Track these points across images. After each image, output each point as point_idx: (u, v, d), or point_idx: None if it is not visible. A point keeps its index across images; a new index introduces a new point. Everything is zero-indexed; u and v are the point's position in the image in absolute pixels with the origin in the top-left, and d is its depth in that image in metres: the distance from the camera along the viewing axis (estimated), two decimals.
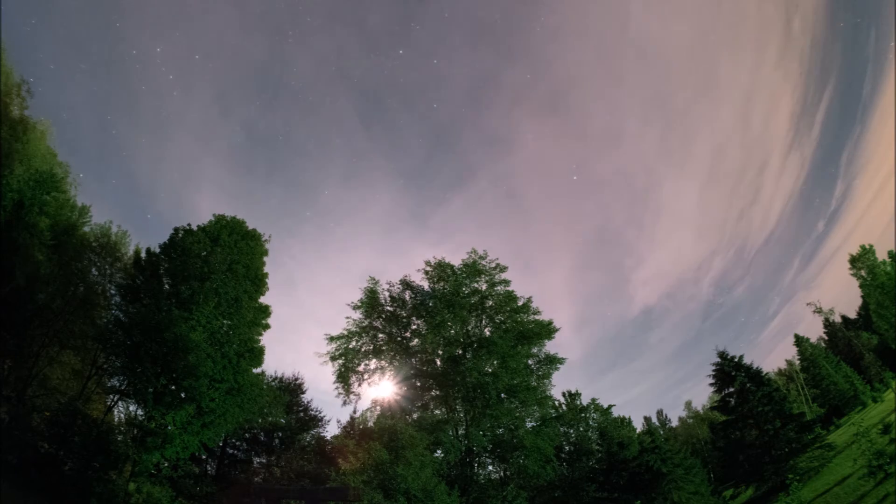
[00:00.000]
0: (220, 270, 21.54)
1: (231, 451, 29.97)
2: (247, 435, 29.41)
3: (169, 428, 19.24)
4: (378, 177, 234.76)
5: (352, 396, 31.56)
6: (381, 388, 32.34)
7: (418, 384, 32.58)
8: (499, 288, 33.26)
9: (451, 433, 28.75)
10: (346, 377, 31.52)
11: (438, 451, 27.32)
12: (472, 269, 33.03)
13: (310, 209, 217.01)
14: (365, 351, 32.53)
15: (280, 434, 30.30)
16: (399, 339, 32.98)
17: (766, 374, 31.19)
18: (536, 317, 32.91)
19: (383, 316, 33.58)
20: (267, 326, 23.89)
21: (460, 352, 31.34)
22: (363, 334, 32.83)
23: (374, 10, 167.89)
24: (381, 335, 33.20)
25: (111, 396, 24.51)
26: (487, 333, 32.39)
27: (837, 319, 66.12)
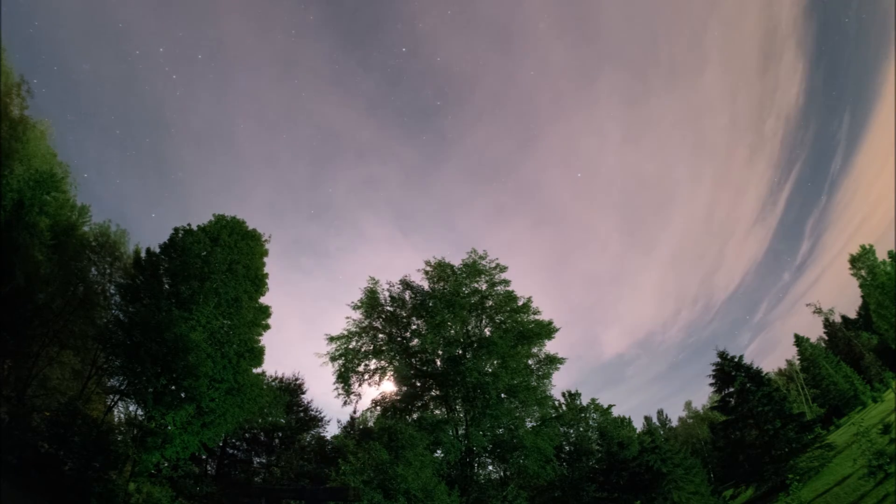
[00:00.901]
0: (220, 270, 21.53)
1: (231, 451, 29.98)
2: (247, 435, 29.41)
3: (169, 428, 19.23)
4: (381, 175, 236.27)
5: (352, 396, 31.55)
6: (381, 388, 32.37)
7: (418, 384, 32.56)
8: (499, 288, 33.23)
9: (451, 433, 28.73)
10: (346, 377, 31.49)
11: (438, 451, 27.30)
12: (472, 268, 33.01)
13: (314, 207, 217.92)
14: (365, 351, 32.50)
15: (280, 434, 30.30)
16: (399, 339, 32.96)
17: (766, 374, 31.20)
18: (536, 317, 32.88)
19: (383, 316, 33.56)
20: (267, 326, 23.89)
21: (460, 352, 31.32)
22: (363, 334, 32.80)
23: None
24: (381, 335, 33.17)
25: (111, 396, 24.49)
26: (487, 333, 32.36)
27: (837, 319, 66.12)
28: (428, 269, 33.61)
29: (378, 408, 31.25)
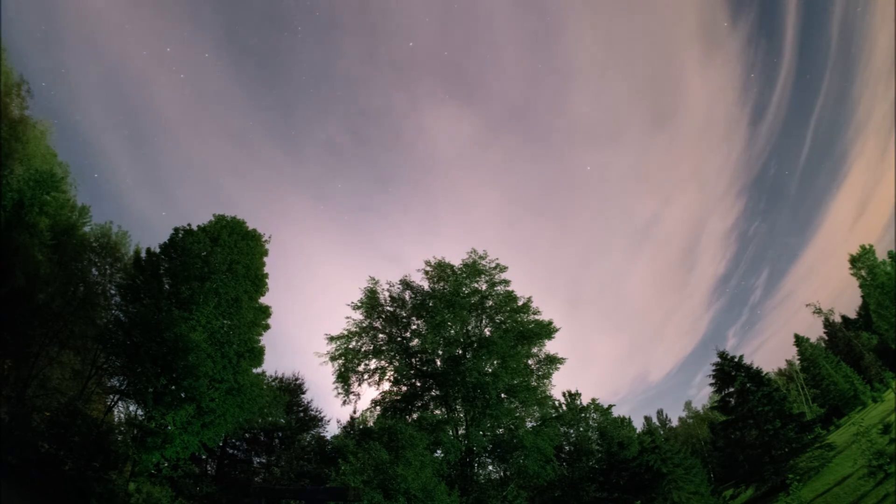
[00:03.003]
0: (220, 270, 21.54)
1: (231, 451, 30.00)
2: (247, 435, 29.42)
3: (169, 428, 19.24)
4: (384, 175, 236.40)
5: (351, 396, 31.54)
6: (381, 388, 32.35)
7: (418, 384, 32.55)
8: (499, 288, 33.23)
9: (451, 433, 28.73)
10: (345, 377, 31.49)
11: (438, 451, 27.29)
12: (472, 269, 33.02)
13: (322, 203, 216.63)
14: (365, 351, 32.48)
15: (280, 434, 30.32)
16: (399, 339, 32.95)
17: (766, 374, 31.19)
18: (536, 317, 32.88)
19: (383, 316, 33.56)
20: (267, 327, 23.91)
21: (460, 352, 31.32)
22: (363, 334, 32.79)
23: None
24: (380, 335, 33.16)
25: (111, 396, 24.51)
26: (487, 333, 32.35)
27: (837, 319, 66.13)
28: (428, 269, 33.63)
29: (378, 408, 31.23)
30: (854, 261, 50.48)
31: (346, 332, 32.30)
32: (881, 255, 49.48)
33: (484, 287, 33.15)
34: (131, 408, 22.55)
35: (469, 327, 32.82)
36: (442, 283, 33.03)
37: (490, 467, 30.66)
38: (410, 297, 33.82)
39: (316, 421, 32.65)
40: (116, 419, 24.26)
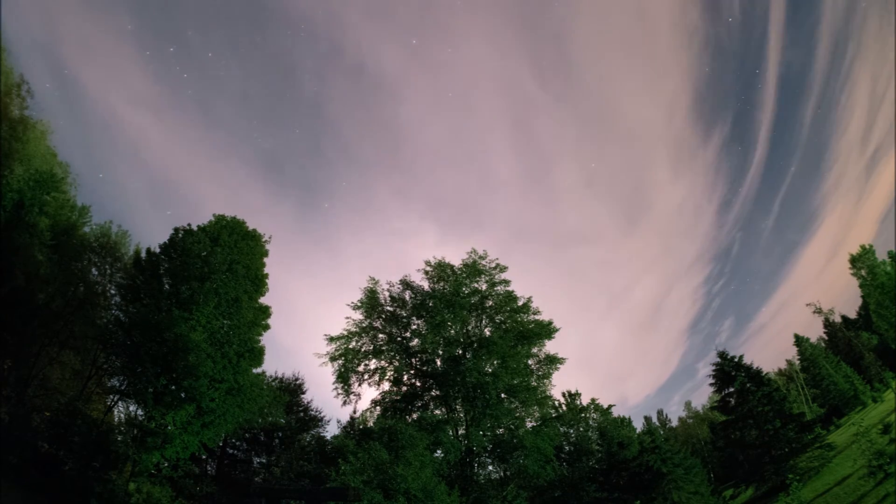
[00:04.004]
0: (220, 271, 21.52)
1: (231, 451, 30.00)
2: (247, 435, 29.42)
3: (169, 428, 19.23)
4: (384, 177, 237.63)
5: (351, 397, 31.55)
6: (381, 388, 32.34)
7: (418, 384, 32.55)
8: (499, 288, 33.22)
9: (451, 433, 28.72)
10: (345, 377, 31.48)
11: (438, 451, 27.29)
12: (472, 269, 33.01)
13: (327, 201, 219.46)
14: (365, 351, 32.48)
15: (280, 434, 30.31)
16: (399, 339, 32.95)
17: (766, 374, 31.18)
18: (536, 317, 32.87)
19: (383, 316, 33.55)
20: (267, 327, 23.88)
21: (460, 352, 31.32)
22: (363, 334, 32.78)
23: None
24: (381, 335, 33.16)
25: (111, 396, 24.53)
26: (487, 333, 32.34)
27: (837, 319, 66.09)
28: (428, 269, 33.62)
29: (378, 408, 31.23)
30: (854, 261, 50.45)
31: (345, 333, 32.31)
32: (881, 255, 49.45)
33: (484, 287, 33.14)
34: (131, 408, 22.55)
35: (469, 327, 32.81)
36: (442, 283, 33.02)
37: (490, 467, 30.67)
38: (410, 297, 33.82)
39: (316, 421, 32.65)
40: (116, 419, 24.26)
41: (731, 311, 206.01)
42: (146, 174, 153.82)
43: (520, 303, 32.87)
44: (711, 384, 32.18)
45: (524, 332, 32.04)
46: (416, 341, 32.51)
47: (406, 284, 33.98)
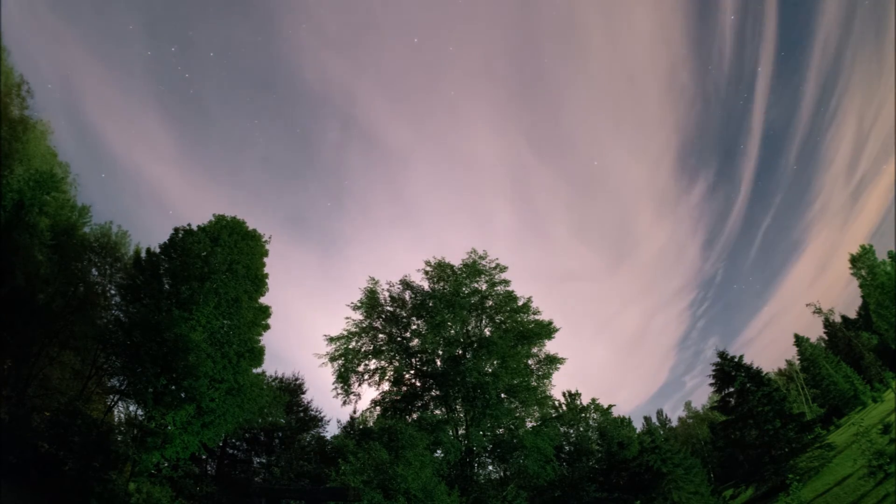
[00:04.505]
0: (220, 270, 21.50)
1: (231, 451, 29.99)
2: (247, 435, 29.42)
3: (169, 428, 19.22)
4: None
5: (351, 397, 31.54)
6: (381, 389, 32.34)
7: (418, 384, 32.54)
8: (499, 288, 33.21)
9: (451, 433, 28.72)
10: (345, 378, 31.48)
11: (438, 451, 27.29)
12: (472, 269, 33.00)
13: (330, 200, 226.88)
14: (365, 351, 32.47)
15: (280, 434, 30.31)
16: (399, 339, 32.94)
17: (766, 374, 31.18)
18: (536, 317, 32.85)
19: (383, 316, 33.54)
20: (267, 327, 23.86)
21: (460, 352, 31.31)
22: (363, 335, 32.77)
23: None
24: (380, 335, 33.15)
25: (111, 396, 24.52)
26: (487, 333, 32.33)
27: (837, 319, 66.06)
28: (428, 269, 33.61)
29: (378, 408, 31.23)
30: (854, 261, 50.46)
31: (345, 333, 32.30)
32: (881, 255, 49.43)
33: (484, 287, 33.13)
34: (131, 408, 22.56)
35: (469, 327, 32.80)
36: (442, 283, 33.01)
37: (490, 467, 30.67)
38: (410, 297, 33.81)
39: (316, 421, 32.64)
40: (116, 419, 24.26)
41: (716, 331, 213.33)
42: (147, 174, 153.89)
43: (520, 303, 32.86)
44: (711, 384, 32.20)
45: (524, 332, 32.03)
46: (416, 341, 32.51)
47: (406, 284, 33.98)
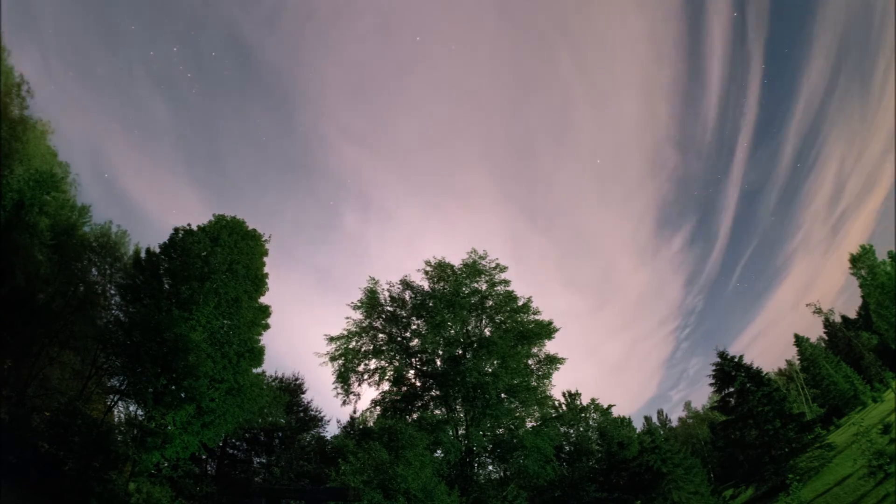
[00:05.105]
0: (220, 270, 21.51)
1: (231, 451, 29.99)
2: (247, 435, 29.42)
3: (169, 428, 19.23)
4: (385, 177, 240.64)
5: (351, 397, 31.53)
6: (381, 388, 32.33)
7: (418, 384, 32.54)
8: (499, 288, 33.18)
9: (451, 433, 28.71)
10: (345, 377, 31.47)
11: (438, 451, 27.28)
12: (472, 269, 32.98)
13: (332, 198, 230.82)
14: (365, 351, 32.46)
15: (280, 434, 30.30)
16: (399, 339, 32.93)
17: (766, 374, 31.18)
18: (536, 317, 32.82)
19: (383, 316, 33.53)
20: (267, 326, 23.87)
21: (460, 352, 31.30)
22: (363, 334, 32.76)
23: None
24: (381, 335, 33.14)
25: (111, 396, 24.51)
26: (487, 333, 32.31)
27: (837, 319, 66.06)
28: (428, 269, 33.58)
29: (378, 408, 31.21)
30: (854, 261, 50.45)
31: (345, 333, 32.28)
32: (881, 255, 49.43)
33: (484, 287, 33.10)
34: (131, 408, 22.54)
35: (469, 327, 32.79)
36: (442, 283, 32.99)
37: (490, 467, 30.66)
38: (410, 297, 33.79)
39: (316, 421, 32.65)
40: (116, 419, 24.25)
41: (700, 352, 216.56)
42: (148, 174, 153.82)
43: (520, 303, 32.83)
44: (711, 384, 32.20)
45: (524, 331, 32.01)
46: (416, 341, 32.50)
47: (406, 284, 33.96)
